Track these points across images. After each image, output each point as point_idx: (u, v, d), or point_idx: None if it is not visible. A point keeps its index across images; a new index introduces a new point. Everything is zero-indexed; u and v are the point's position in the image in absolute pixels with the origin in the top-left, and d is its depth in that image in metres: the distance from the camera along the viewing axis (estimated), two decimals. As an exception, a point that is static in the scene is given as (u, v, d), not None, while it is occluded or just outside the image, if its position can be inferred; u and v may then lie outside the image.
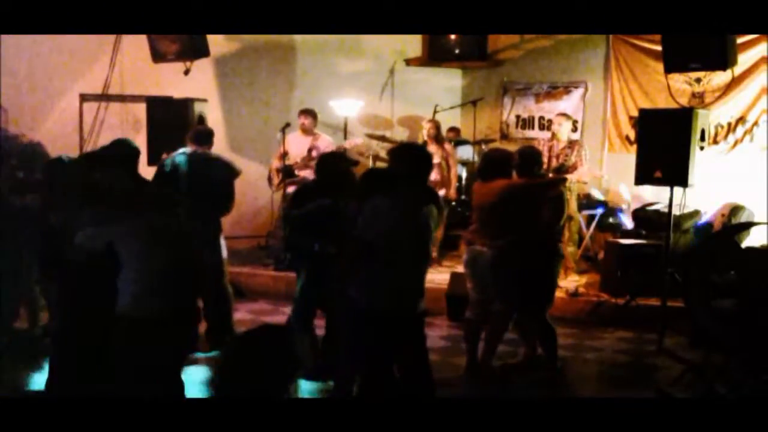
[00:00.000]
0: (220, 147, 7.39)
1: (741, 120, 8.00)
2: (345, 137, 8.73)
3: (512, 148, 9.35)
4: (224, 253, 6.01)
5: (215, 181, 5.75)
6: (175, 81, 7.67)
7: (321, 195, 5.09)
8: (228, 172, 5.89)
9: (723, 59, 6.20)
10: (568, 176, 7.28)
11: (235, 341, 2.71)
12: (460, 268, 7.52)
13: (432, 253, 4.27)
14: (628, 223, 7.96)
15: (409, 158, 4.16)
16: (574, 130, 8.89)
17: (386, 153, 5.24)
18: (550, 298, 5.40)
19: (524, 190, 5.28)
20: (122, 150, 4.59)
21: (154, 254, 3.69)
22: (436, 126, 8.29)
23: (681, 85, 8.05)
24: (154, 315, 3.68)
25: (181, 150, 5.87)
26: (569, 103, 9.13)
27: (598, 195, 8.21)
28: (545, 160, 7.19)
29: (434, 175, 8.00)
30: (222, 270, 5.95)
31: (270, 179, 8.15)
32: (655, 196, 7.78)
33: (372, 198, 4.05)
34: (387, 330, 3.95)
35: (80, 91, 8.75)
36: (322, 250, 5.06)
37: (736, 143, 8.05)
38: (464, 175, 8.73)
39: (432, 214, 4.03)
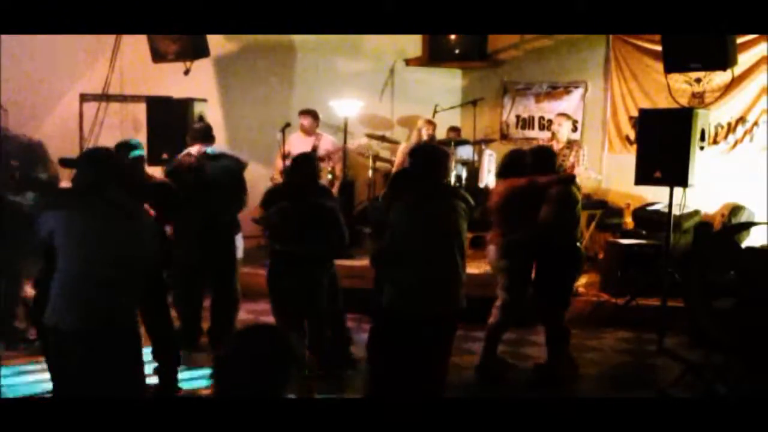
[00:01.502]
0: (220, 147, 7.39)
1: (741, 120, 8.00)
2: (345, 137, 8.73)
3: (512, 148, 9.49)
4: (239, 253, 5.99)
5: (226, 176, 5.73)
6: (175, 81, 7.67)
7: (289, 196, 5.13)
8: (236, 166, 5.86)
9: (723, 59, 6.19)
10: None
11: (231, 340, 2.70)
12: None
13: (465, 249, 4.24)
14: None
15: (423, 158, 4.19)
16: (574, 130, 8.89)
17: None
18: (559, 300, 5.38)
19: (525, 189, 5.30)
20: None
21: (78, 255, 3.49)
22: (434, 127, 8.29)
23: (681, 85, 8.05)
24: (66, 325, 3.47)
25: (186, 151, 5.86)
26: (569, 103, 9.14)
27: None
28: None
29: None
30: (234, 269, 5.93)
31: (273, 180, 8.15)
32: (656, 196, 7.79)
33: (394, 201, 4.12)
34: (410, 330, 3.96)
35: (80, 91, 8.74)
36: (282, 248, 5.10)
37: (736, 143, 8.05)
38: (464, 175, 8.72)
39: (457, 209, 4.05)
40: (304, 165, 5.36)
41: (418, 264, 3.98)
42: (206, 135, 5.89)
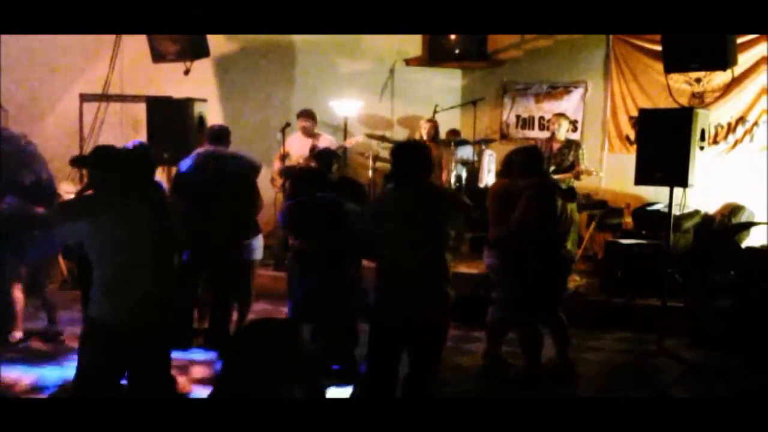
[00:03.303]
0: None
1: (741, 120, 8.00)
2: (345, 137, 8.74)
3: (512, 148, 9.48)
4: (256, 254, 5.96)
5: (237, 179, 5.69)
6: (175, 81, 7.67)
7: (297, 192, 5.15)
8: (249, 169, 5.82)
9: (723, 59, 6.19)
10: (562, 176, 7.32)
11: (239, 333, 2.69)
12: (460, 268, 7.55)
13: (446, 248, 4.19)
14: None
15: (403, 156, 4.18)
16: (574, 130, 8.90)
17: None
18: (539, 302, 5.32)
19: (505, 190, 5.31)
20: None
21: (107, 258, 3.55)
22: (435, 126, 8.30)
23: (681, 85, 8.05)
24: (109, 320, 3.54)
25: (198, 150, 5.83)
26: (569, 103, 9.14)
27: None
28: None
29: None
30: (250, 271, 5.92)
31: (273, 180, 8.15)
32: (656, 196, 7.80)
33: (376, 198, 4.12)
34: (394, 332, 3.96)
35: (80, 91, 8.75)
36: (298, 247, 5.12)
37: (736, 143, 8.06)
38: (464, 175, 8.73)
39: (440, 209, 4.04)
40: (317, 160, 5.42)
41: (399, 265, 3.97)
42: (220, 136, 5.84)
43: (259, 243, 5.94)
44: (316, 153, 5.86)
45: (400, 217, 3.97)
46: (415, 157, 4.13)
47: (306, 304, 5.09)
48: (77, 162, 3.72)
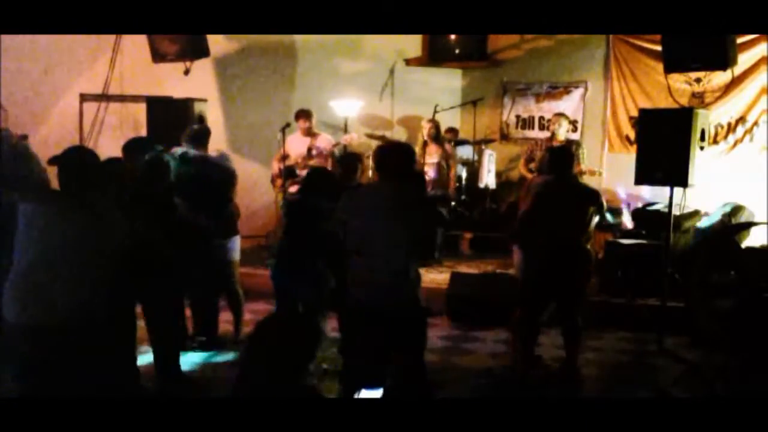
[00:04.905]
0: (220, 147, 7.37)
1: (741, 120, 8.01)
2: (344, 137, 8.76)
3: (512, 148, 9.51)
4: (234, 255, 5.93)
5: (209, 183, 5.61)
6: (175, 81, 7.68)
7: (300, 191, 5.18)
8: (222, 174, 5.76)
9: (723, 59, 6.20)
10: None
11: (261, 322, 2.74)
12: (460, 268, 7.56)
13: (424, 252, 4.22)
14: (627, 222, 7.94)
15: (379, 156, 4.23)
16: (574, 130, 8.90)
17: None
18: (544, 301, 5.30)
19: (526, 186, 5.36)
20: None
21: (33, 249, 3.45)
22: (436, 126, 8.31)
23: (681, 85, 8.05)
24: (14, 319, 3.41)
25: (173, 150, 5.79)
26: (569, 103, 9.14)
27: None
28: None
29: (433, 174, 8.04)
30: (230, 272, 5.91)
31: (273, 181, 8.15)
32: (655, 196, 7.80)
33: (350, 192, 4.16)
34: (372, 325, 3.97)
35: (80, 91, 8.75)
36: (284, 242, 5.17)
37: (736, 143, 8.06)
38: (464, 175, 8.73)
39: (415, 209, 4.06)
40: (342, 164, 5.43)
41: (367, 260, 3.99)
42: (196, 138, 5.79)
43: (235, 244, 5.88)
44: (339, 157, 5.81)
45: (379, 212, 3.99)
46: (401, 157, 4.15)
47: (282, 297, 5.13)
48: (52, 161, 3.72)
